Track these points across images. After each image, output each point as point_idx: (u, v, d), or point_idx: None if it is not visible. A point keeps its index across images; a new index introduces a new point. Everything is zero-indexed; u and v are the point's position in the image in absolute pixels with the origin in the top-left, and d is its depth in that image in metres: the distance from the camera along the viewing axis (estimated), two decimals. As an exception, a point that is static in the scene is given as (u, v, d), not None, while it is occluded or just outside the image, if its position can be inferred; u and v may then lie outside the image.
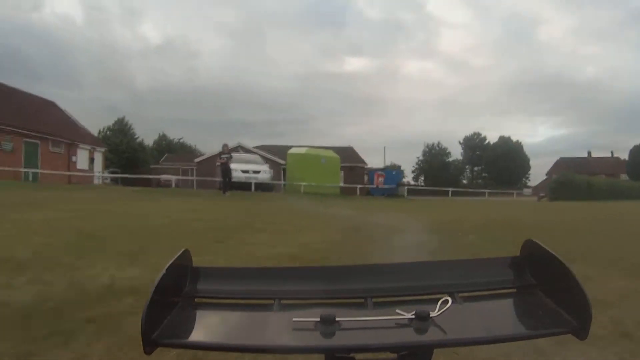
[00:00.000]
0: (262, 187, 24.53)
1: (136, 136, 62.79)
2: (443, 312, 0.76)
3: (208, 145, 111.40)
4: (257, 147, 46.76)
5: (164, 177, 42.72)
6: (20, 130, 29.38)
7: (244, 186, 22.44)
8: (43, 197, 13.95)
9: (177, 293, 0.87)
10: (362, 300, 0.88)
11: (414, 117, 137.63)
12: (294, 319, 0.75)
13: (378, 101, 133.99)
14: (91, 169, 37.49)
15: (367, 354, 0.74)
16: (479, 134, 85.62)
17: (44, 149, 31.84)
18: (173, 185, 33.95)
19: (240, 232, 8.11)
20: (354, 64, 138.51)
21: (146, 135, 79.46)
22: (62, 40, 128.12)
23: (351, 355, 0.74)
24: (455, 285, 0.89)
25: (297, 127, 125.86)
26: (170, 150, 66.56)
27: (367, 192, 32.58)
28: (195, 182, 38.35)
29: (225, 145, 21.34)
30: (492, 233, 8.42)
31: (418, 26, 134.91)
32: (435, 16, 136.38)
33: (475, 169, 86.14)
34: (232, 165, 20.87)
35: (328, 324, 0.74)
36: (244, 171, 23.08)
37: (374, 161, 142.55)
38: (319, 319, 0.74)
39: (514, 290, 0.92)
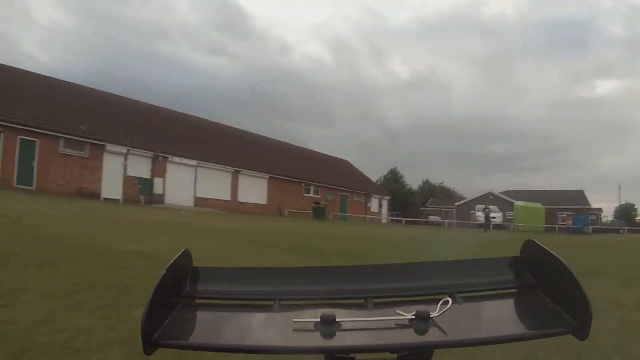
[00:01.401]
0: (497, 226, 35.80)
1: (406, 184, 66.90)
2: (443, 312, 0.71)
3: (464, 186, 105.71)
4: (503, 192, 49.71)
5: (431, 217, 48.25)
6: (336, 187, 38.23)
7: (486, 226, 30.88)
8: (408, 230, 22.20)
9: (178, 293, 0.81)
10: (362, 300, 0.82)
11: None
12: (294, 320, 0.70)
13: (634, 126, 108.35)
14: (379, 212, 44.53)
15: (368, 354, 0.68)
16: None
17: (351, 199, 40.07)
18: (445, 224, 41.55)
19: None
20: (604, 86, 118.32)
21: (403, 170, 78.80)
22: (313, 80, 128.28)
23: (351, 355, 0.69)
24: (455, 286, 0.83)
25: (549, 160, 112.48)
26: (433, 194, 68.81)
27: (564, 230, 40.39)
28: (455, 223, 42.59)
29: (488, 200, 33.22)
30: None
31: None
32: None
33: None
34: (478, 213, 35.50)
35: (328, 325, 0.68)
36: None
37: (612, 198, 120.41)
38: (319, 320, 0.68)
39: (514, 290, 0.85)
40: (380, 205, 45.08)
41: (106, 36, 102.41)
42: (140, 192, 25.54)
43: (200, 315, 0.81)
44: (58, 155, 22.98)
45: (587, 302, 0.66)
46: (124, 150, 25.03)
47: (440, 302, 0.74)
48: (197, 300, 0.84)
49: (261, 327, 0.78)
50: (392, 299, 0.84)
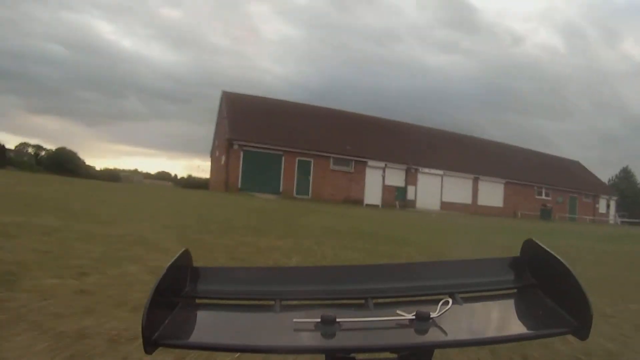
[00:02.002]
0: None
1: (638, 182, 60.88)
2: (444, 312, 0.68)
3: None
4: None
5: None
6: (566, 189, 37.88)
7: None
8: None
9: (178, 293, 0.78)
10: (363, 301, 0.78)
11: None
12: (294, 320, 0.67)
13: None
14: (607, 212, 41.93)
15: (368, 354, 0.67)
16: None
17: (580, 200, 39.01)
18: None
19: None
20: None
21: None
22: (548, 71, 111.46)
23: (351, 355, 0.66)
24: (455, 286, 0.80)
25: None
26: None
27: None
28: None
29: None
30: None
31: None
32: None
33: None
34: None
35: (328, 325, 0.65)
36: None
37: None
38: (319, 320, 0.65)
39: (515, 290, 0.82)
40: (608, 206, 42.45)
41: (338, 45, 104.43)
42: (396, 198, 29.68)
43: (201, 315, 0.78)
44: (329, 171, 28.34)
45: (587, 302, 0.64)
46: (382, 164, 29.55)
47: (441, 303, 0.70)
48: (197, 300, 0.81)
49: (262, 327, 0.74)
50: (392, 299, 0.81)
